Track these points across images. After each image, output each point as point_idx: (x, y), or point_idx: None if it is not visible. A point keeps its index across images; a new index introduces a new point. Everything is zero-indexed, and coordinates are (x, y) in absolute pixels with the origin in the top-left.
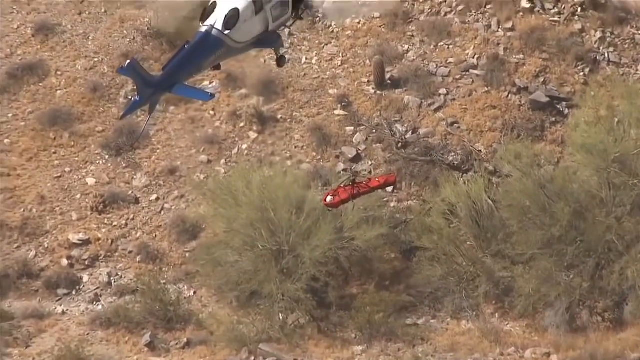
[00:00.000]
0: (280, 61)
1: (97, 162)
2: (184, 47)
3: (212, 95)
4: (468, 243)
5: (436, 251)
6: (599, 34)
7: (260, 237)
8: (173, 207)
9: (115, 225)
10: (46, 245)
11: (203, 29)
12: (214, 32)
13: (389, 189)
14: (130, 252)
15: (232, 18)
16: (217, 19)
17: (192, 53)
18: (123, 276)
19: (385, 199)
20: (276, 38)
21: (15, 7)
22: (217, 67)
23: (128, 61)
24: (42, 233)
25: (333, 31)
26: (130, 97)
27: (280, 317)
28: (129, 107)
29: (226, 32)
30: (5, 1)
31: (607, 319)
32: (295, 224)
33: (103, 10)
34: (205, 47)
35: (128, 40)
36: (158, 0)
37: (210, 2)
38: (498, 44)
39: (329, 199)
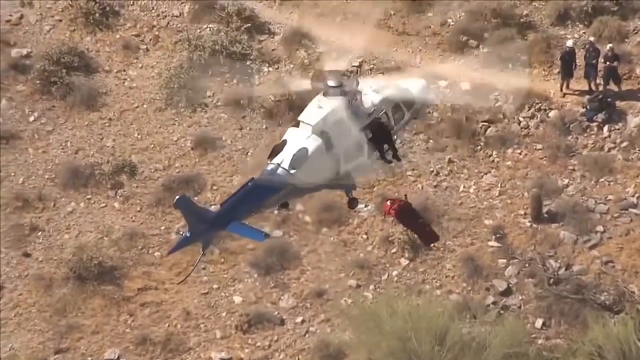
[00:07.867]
0: (351, 203)
1: (246, 280)
2: (247, 183)
3: (267, 235)
4: None
5: None
6: None
7: None
8: (318, 331)
9: (258, 346)
10: None
11: (269, 166)
12: (279, 170)
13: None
14: None
15: (300, 158)
16: (284, 158)
17: (253, 190)
18: None
19: (533, 335)
20: (348, 181)
21: (176, 119)
22: (285, 206)
23: (177, 197)
24: (185, 350)
25: (493, 160)
26: (181, 233)
27: None
28: (178, 243)
29: (292, 171)
30: (168, 112)
31: None
32: (436, 355)
33: (264, 127)
34: (269, 185)
35: None
36: None
37: (282, 139)
38: None
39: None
